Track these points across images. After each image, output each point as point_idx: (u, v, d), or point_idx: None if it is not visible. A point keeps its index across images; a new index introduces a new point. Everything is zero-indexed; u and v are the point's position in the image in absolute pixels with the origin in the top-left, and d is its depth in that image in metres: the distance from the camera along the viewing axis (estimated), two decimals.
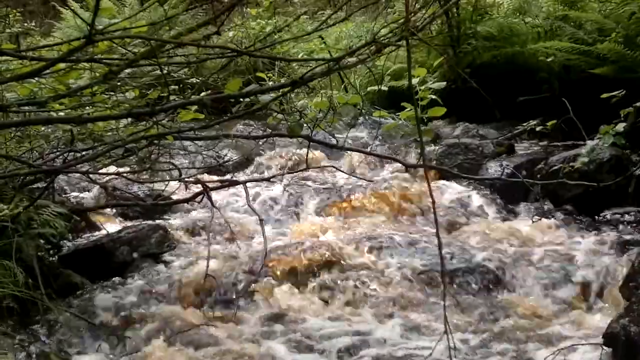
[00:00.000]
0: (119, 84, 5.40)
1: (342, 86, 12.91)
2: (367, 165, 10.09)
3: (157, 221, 8.22)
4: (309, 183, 9.34)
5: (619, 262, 6.37)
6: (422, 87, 8.02)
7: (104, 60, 4.29)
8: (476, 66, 11.63)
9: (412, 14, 3.16)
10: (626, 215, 7.60)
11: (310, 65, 3.74)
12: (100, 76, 4.10)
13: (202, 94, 5.60)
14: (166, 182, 7.44)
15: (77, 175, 8.52)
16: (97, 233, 7.94)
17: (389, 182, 8.94)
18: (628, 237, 7.07)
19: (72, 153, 5.99)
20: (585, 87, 9.22)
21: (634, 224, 7.40)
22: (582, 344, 5.32)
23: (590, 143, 7.46)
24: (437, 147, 9.82)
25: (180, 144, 8.34)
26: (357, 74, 13.16)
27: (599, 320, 5.74)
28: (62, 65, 4.57)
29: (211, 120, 5.13)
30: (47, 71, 4.27)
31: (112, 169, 7.84)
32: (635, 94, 7.28)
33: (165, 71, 4.62)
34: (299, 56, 13.66)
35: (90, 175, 7.57)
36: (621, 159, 8.04)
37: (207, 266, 5.40)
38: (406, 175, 9.27)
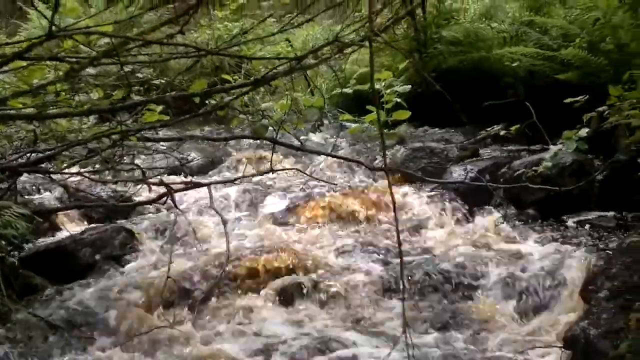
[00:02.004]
0: (82, 83, 5.36)
1: (308, 89, 12.91)
2: (332, 168, 10.07)
3: (121, 223, 8.17)
4: (274, 186, 9.33)
5: (579, 266, 6.40)
6: (388, 91, 8.04)
7: (67, 59, 4.25)
8: (442, 70, 11.67)
9: (376, 15, 3.15)
10: (588, 220, 7.65)
11: (274, 64, 3.73)
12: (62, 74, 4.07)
13: (167, 94, 5.58)
14: (130, 184, 7.40)
15: (41, 176, 8.45)
16: (59, 234, 7.89)
17: (353, 185, 8.95)
18: (589, 241, 7.11)
19: (35, 153, 5.95)
20: (550, 92, 9.26)
21: (596, 229, 7.44)
22: (542, 347, 5.34)
23: (553, 148, 7.48)
24: (402, 151, 9.82)
25: (144, 145, 8.29)
26: (323, 77, 13.17)
27: (559, 323, 5.76)
28: (23, 63, 4.52)
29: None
30: (6, 68, 4.22)
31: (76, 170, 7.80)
32: (598, 99, 7.32)
33: (128, 70, 4.60)
34: None
35: (53, 176, 7.50)
36: (583, 164, 8.10)
37: (169, 269, 5.37)
38: (371, 178, 9.28)
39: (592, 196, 7.96)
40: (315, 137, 11.47)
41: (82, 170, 7.34)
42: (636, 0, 6.61)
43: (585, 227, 7.52)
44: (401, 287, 6.36)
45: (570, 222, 7.71)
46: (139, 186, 7.78)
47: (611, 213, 7.72)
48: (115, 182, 7.81)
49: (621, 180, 7.75)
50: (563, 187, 6.83)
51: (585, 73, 9.41)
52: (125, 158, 7.12)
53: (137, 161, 7.80)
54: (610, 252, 6.17)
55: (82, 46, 4.71)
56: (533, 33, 10.86)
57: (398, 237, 3.09)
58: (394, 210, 3.20)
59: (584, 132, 7.06)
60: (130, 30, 5.35)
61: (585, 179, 7.66)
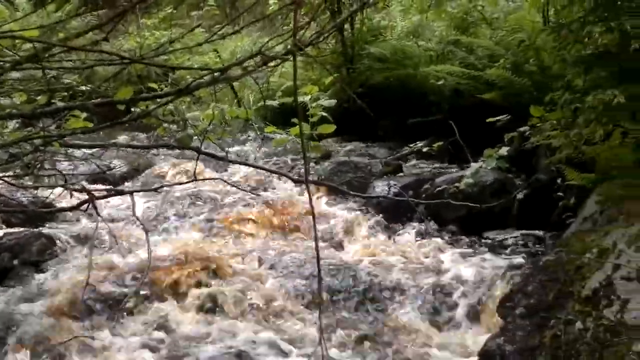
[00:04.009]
0: (4, 87, 5.29)
1: (235, 101, 12.88)
2: (256, 179, 10.06)
3: (41, 229, 8.07)
4: (197, 195, 9.29)
5: (497, 282, 6.49)
6: (313, 104, 8.06)
7: None
8: (369, 86, 11.73)
9: (301, 29, 3.18)
10: (508, 238, 7.76)
11: (199, 74, 3.73)
12: None
13: (91, 101, 5.52)
14: (51, 189, 7.31)
15: None
16: None
17: (276, 197, 8.97)
18: (508, 258, 7.22)
19: None
20: (474, 111, 9.36)
21: (515, 246, 7.56)
22: None
23: (474, 165, 7.59)
24: (327, 164, 9.88)
25: (67, 152, 8.20)
26: (250, 89, 13.17)
27: (476, 339, 5.84)
28: None
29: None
30: None
31: None
32: (521, 119, 7.43)
33: (52, 75, 4.55)
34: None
35: None
36: (505, 182, 8.23)
37: (88, 276, 5.34)
38: (295, 190, 9.30)
39: (512, 215, 8.08)
40: (241, 148, 11.47)
41: (2, 175, 7.24)
42: (559, 24, 6.73)
43: (504, 245, 7.64)
44: (318, 299, 6.39)
45: (489, 240, 7.82)
46: (60, 192, 7.69)
47: (530, 232, 7.83)
48: (36, 188, 7.71)
49: (541, 199, 7.87)
50: (484, 204, 6.92)
51: (509, 93, 9.55)
52: (47, 164, 7.04)
53: (59, 167, 7.72)
54: (528, 270, 6.25)
55: (6, 50, 4.66)
56: (459, 52, 10.98)
57: (317, 249, 3.11)
58: (314, 223, 3.22)
59: (504, 150, 7.16)
60: (57, 36, 5.28)
61: (506, 197, 7.77)
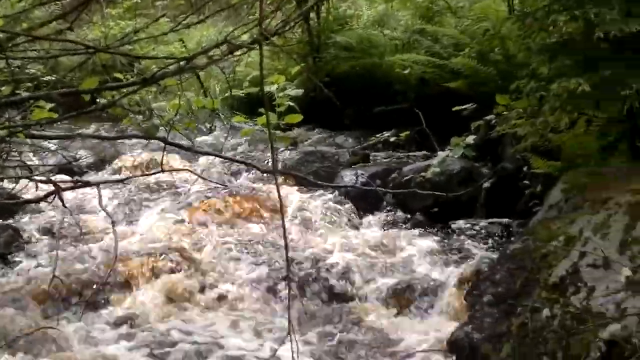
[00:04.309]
0: None
1: (201, 91, 12.83)
2: (223, 170, 10.04)
3: (6, 221, 8.01)
4: (164, 186, 9.25)
5: (465, 271, 6.52)
6: (280, 94, 8.05)
7: None
8: (335, 75, 11.72)
9: (267, 18, 3.18)
10: (475, 226, 7.80)
11: (165, 64, 3.71)
12: None
13: (56, 91, 5.48)
14: (16, 181, 7.25)
15: None
16: None
17: (245, 187, 8.95)
18: (475, 247, 7.27)
19: None
20: (440, 100, 9.39)
21: (482, 235, 7.60)
22: (426, 351, 5.43)
23: (441, 154, 7.62)
24: (294, 154, 9.88)
25: (32, 143, 8.14)
26: (216, 79, 13.12)
27: (444, 327, 5.86)
28: None
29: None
30: None
31: None
32: (487, 108, 7.46)
33: (15, 65, 4.52)
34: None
35: None
36: (471, 171, 8.26)
37: (55, 268, 5.30)
38: (262, 181, 9.28)
39: (479, 203, 8.11)
40: (208, 138, 11.44)
41: None
42: (524, 13, 6.76)
43: (472, 234, 7.67)
44: (287, 289, 6.39)
45: (456, 228, 7.84)
46: (26, 184, 7.63)
47: (497, 220, 7.87)
48: (1, 180, 7.65)
49: (507, 188, 7.91)
50: (451, 193, 6.95)
51: (475, 82, 9.59)
52: (12, 155, 6.98)
53: (25, 159, 7.66)
54: (495, 259, 6.29)
55: None
56: (425, 41, 11.01)
57: (285, 239, 3.10)
58: (282, 213, 3.23)
59: (471, 139, 7.21)
60: (20, 25, 5.23)
61: (473, 185, 7.81)
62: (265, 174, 9.14)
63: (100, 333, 5.95)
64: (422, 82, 10.77)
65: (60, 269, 6.46)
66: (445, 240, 7.56)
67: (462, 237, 7.63)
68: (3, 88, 5.33)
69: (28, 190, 7.76)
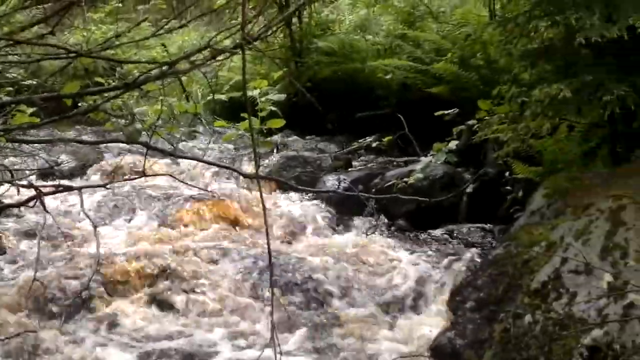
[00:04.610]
0: None
1: (184, 95, 12.80)
2: (206, 174, 10.02)
3: None
4: (147, 191, 9.22)
5: (447, 276, 6.54)
6: (262, 99, 8.04)
7: None
8: (317, 80, 11.73)
9: (250, 22, 3.18)
10: (457, 231, 7.83)
11: (147, 68, 3.70)
12: None
13: (37, 95, 5.46)
14: None
15: None
16: None
17: (228, 192, 8.93)
18: (457, 252, 7.28)
19: None
20: (423, 105, 9.39)
21: (464, 240, 7.63)
22: (409, 356, 5.43)
23: (424, 159, 7.63)
24: (277, 159, 9.87)
25: (14, 147, 8.11)
26: (198, 84, 13.10)
27: (426, 332, 5.87)
28: None
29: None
30: None
31: None
32: (469, 113, 7.48)
33: None
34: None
35: None
36: (454, 176, 8.29)
37: (35, 272, 5.29)
38: (246, 186, 9.27)
39: (462, 209, 8.14)
40: (190, 143, 11.43)
41: None
42: (506, 18, 6.78)
43: (454, 239, 7.70)
44: (270, 294, 6.39)
45: (439, 234, 7.88)
46: (7, 188, 7.61)
47: (479, 225, 7.91)
48: None
49: (489, 193, 7.94)
50: (433, 198, 6.96)
51: (457, 87, 9.62)
52: None
53: (5, 162, 7.63)
54: (477, 264, 6.32)
55: None
56: (406, 46, 11.02)
57: (268, 244, 3.10)
58: (265, 218, 3.22)
59: (453, 144, 7.21)
60: (1, 29, 5.22)
61: (455, 191, 7.83)
62: (246, 179, 9.13)
63: (82, 337, 5.93)
64: (404, 87, 10.78)
65: (41, 273, 6.44)
66: (428, 246, 7.58)
67: (445, 242, 7.66)
68: None
69: (9, 194, 7.78)
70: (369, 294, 6.59)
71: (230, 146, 11.21)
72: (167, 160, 10.30)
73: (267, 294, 6.52)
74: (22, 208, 7.82)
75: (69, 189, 6.47)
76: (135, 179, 8.30)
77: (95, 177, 10.40)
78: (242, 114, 6.77)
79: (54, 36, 4.02)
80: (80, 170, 10.62)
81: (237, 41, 2.93)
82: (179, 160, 10.15)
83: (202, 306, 6.44)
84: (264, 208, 3.34)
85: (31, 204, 6.72)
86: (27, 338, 5.69)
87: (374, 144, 8.54)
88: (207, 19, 16.08)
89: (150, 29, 13.98)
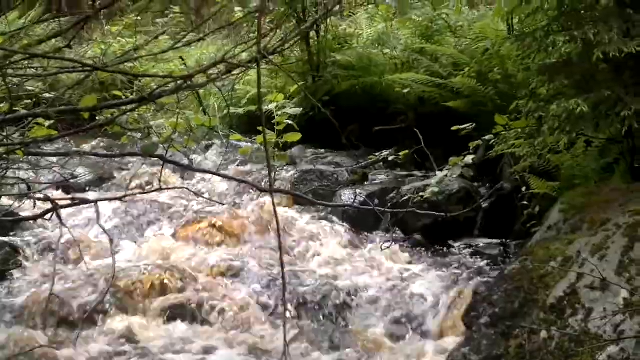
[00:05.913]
0: None
1: (200, 108, 12.83)
2: (221, 188, 10.02)
3: (4, 238, 7.98)
4: (163, 204, 9.23)
5: (462, 291, 6.51)
6: (279, 113, 8.05)
7: None
8: (335, 94, 11.74)
9: (266, 36, 3.18)
10: (473, 246, 7.81)
11: (163, 82, 3.71)
12: None
13: (54, 108, 5.47)
14: (14, 198, 7.24)
15: None
16: None
17: (241, 206, 8.94)
18: (473, 267, 7.25)
19: None
20: (440, 120, 9.40)
21: (480, 255, 7.60)
22: None
23: (439, 174, 7.61)
24: (293, 173, 9.87)
25: (30, 160, 8.13)
26: (215, 97, 13.13)
27: (441, 348, 5.84)
28: None
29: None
30: None
31: None
32: (486, 127, 7.46)
33: (14, 83, 4.51)
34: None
35: None
36: (470, 191, 8.25)
37: (52, 285, 5.28)
38: (260, 199, 9.27)
39: (477, 223, 8.11)
40: (206, 157, 11.43)
41: None
42: (524, 33, 6.77)
43: (470, 254, 7.67)
44: (282, 308, 6.38)
45: (455, 248, 7.85)
46: (23, 201, 7.62)
47: (495, 240, 7.89)
48: None
49: (505, 208, 7.92)
50: (449, 213, 6.94)
51: (474, 102, 9.61)
52: (9, 172, 6.97)
53: (23, 176, 7.65)
54: (493, 279, 6.28)
55: None
56: (424, 60, 11.03)
57: (281, 258, 3.10)
58: (278, 233, 3.22)
59: (469, 159, 7.19)
60: (20, 43, 5.23)
61: (471, 205, 7.81)
62: (261, 192, 9.13)
63: (98, 352, 5.92)
64: (422, 102, 10.78)
65: (57, 287, 6.45)
66: (443, 260, 7.55)
67: (460, 257, 7.63)
68: (1, 105, 5.32)
69: (26, 207, 7.80)
70: (384, 309, 6.57)
71: (247, 160, 11.20)
72: (183, 174, 10.32)
73: (281, 309, 6.51)
74: (38, 221, 7.86)
75: (85, 202, 6.48)
76: (152, 192, 8.33)
77: (111, 190, 10.43)
78: (259, 127, 6.80)
79: (71, 49, 4.04)
80: (96, 183, 10.64)
81: (254, 55, 2.94)
82: (195, 173, 10.16)
83: (215, 320, 6.43)
84: (277, 222, 3.33)
85: (47, 217, 6.75)
86: (43, 352, 5.69)
87: (390, 158, 8.52)
88: (225, 33, 16.10)
89: (169, 43, 14.03)
